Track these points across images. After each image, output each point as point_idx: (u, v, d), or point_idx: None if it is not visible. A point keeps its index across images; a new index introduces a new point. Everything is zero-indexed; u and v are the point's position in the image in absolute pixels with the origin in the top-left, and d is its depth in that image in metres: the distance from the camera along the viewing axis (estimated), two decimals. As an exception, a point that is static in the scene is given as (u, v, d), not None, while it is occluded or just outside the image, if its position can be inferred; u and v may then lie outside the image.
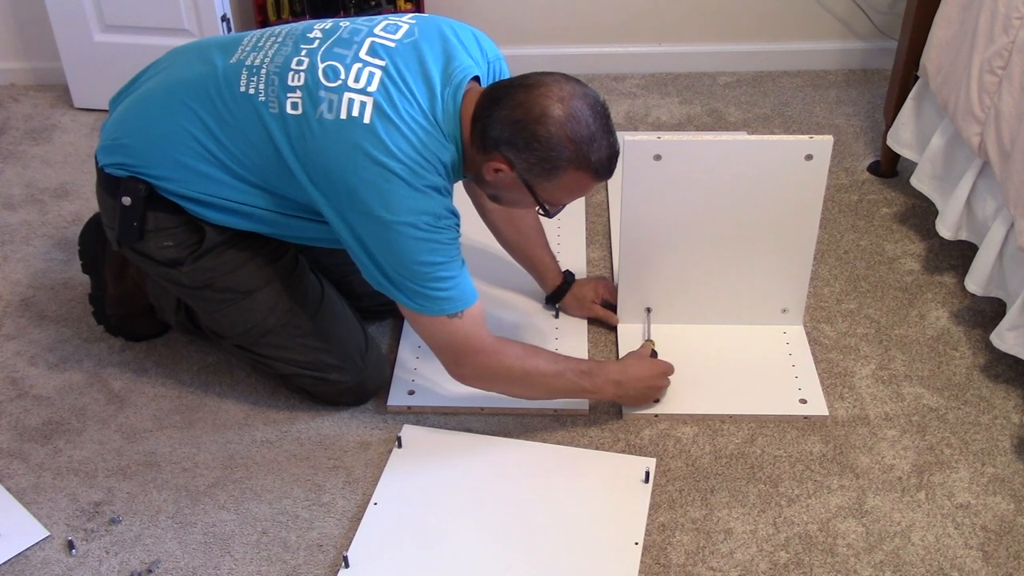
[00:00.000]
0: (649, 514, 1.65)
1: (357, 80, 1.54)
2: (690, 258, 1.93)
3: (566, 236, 2.29)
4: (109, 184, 1.69)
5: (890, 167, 2.51)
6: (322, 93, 1.53)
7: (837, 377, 1.92)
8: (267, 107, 1.57)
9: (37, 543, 1.62)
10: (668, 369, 1.83)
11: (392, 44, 1.58)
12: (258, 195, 1.64)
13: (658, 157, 1.81)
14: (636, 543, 1.59)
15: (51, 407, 1.88)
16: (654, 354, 1.86)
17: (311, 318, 1.78)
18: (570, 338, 1.99)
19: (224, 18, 2.62)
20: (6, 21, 2.87)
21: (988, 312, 2.06)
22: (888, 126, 2.45)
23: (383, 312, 2.04)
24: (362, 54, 1.57)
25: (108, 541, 1.63)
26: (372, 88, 1.53)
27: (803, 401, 1.84)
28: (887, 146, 2.44)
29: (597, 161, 1.54)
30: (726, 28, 2.96)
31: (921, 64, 2.26)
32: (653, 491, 1.69)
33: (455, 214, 1.58)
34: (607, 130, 1.54)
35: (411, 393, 1.87)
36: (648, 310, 2.00)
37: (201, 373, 1.95)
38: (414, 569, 1.56)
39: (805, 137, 1.81)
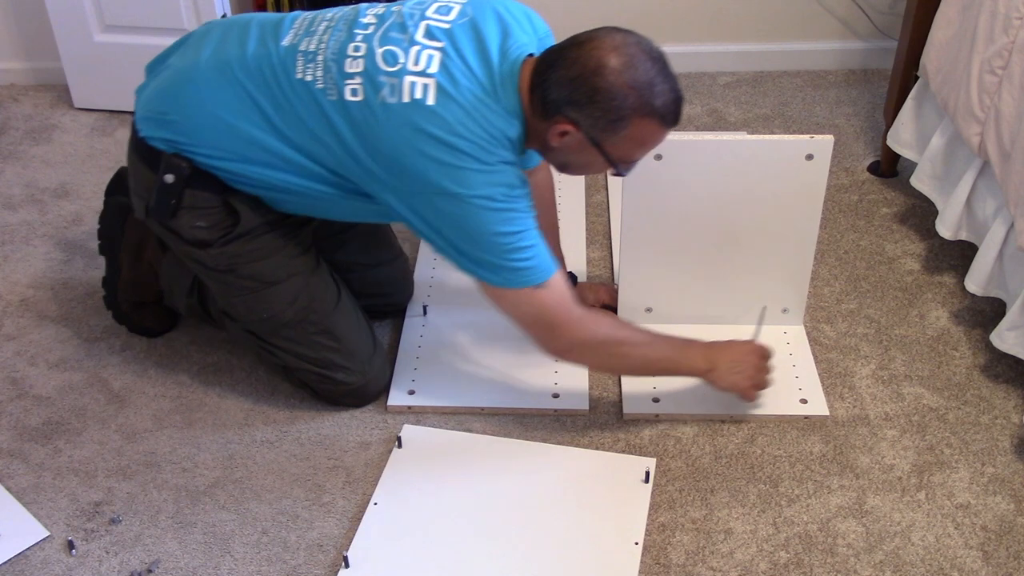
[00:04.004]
0: (649, 514, 1.65)
1: (417, 63, 1.53)
2: (690, 258, 1.93)
3: (566, 236, 2.28)
4: (149, 156, 1.67)
5: (890, 167, 2.51)
6: (382, 78, 1.53)
7: (837, 377, 1.92)
8: (325, 94, 1.56)
9: (37, 543, 1.62)
10: (760, 349, 1.77)
11: (447, 26, 1.58)
12: (314, 178, 1.62)
13: (658, 157, 1.81)
14: (636, 543, 1.59)
15: (51, 407, 1.88)
16: None
17: (327, 316, 1.78)
18: (570, 338, 1.99)
19: (224, 18, 2.62)
20: (6, 21, 2.87)
21: (988, 312, 2.06)
22: (888, 126, 2.45)
23: (384, 312, 2.04)
24: (419, 37, 1.56)
25: (108, 541, 1.63)
26: (432, 70, 1.52)
27: (803, 401, 1.85)
28: (887, 146, 2.44)
29: (663, 106, 1.50)
30: (726, 28, 2.96)
31: (921, 64, 2.26)
32: (653, 491, 1.69)
33: (526, 183, 1.57)
34: (667, 75, 1.51)
35: (411, 393, 1.87)
36: (648, 310, 2.00)
37: (201, 373, 1.95)
38: (414, 569, 1.56)
39: (805, 137, 1.81)
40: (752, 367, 1.75)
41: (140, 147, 1.69)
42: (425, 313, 2.05)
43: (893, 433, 1.80)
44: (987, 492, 1.69)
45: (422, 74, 1.52)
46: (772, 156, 1.82)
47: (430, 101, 1.51)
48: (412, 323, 2.04)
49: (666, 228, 1.90)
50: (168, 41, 2.62)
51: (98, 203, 2.28)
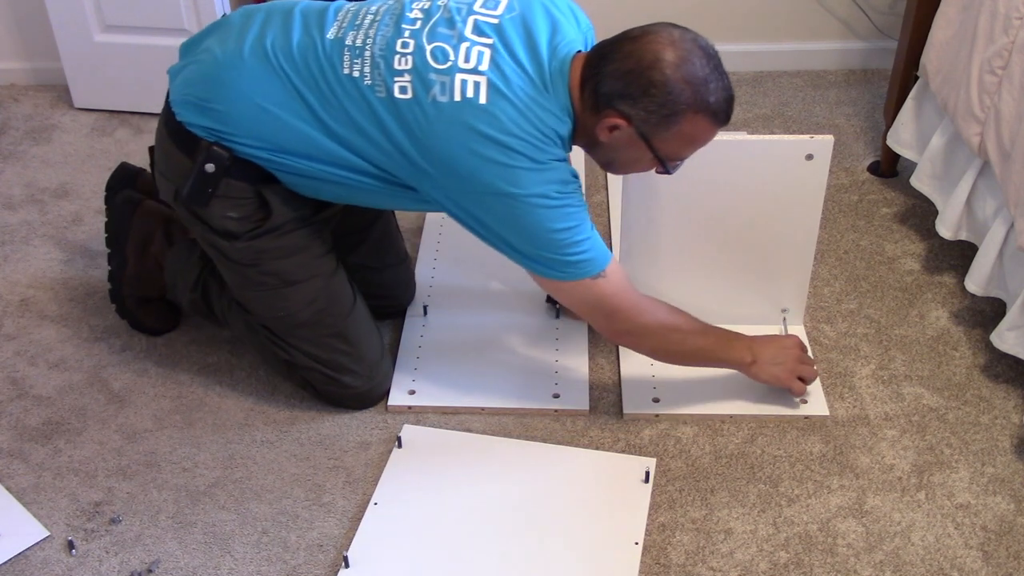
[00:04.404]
0: (649, 514, 1.65)
1: (467, 60, 1.53)
2: (690, 258, 1.93)
3: (566, 236, 2.28)
4: (186, 141, 1.64)
5: (890, 167, 2.51)
6: (433, 76, 1.52)
7: (837, 377, 1.92)
8: (374, 91, 1.55)
9: (37, 543, 1.62)
10: (799, 341, 1.82)
11: (495, 20, 1.57)
12: (359, 171, 1.61)
13: (658, 157, 1.81)
14: (636, 543, 1.59)
15: (51, 407, 1.88)
16: None
17: (342, 320, 1.78)
18: (570, 338, 1.99)
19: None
20: (6, 21, 2.87)
21: (988, 312, 2.06)
22: (888, 126, 2.45)
23: (385, 313, 2.04)
24: (468, 33, 1.55)
25: (108, 541, 1.63)
26: (483, 67, 1.52)
27: (803, 401, 1.84)
28: (887, 146, 2.44)
29: (716, 103, 1.51)
30: (726, 28, 2.96)
31: (921, 64, 2.26)
32: (653, 491, 1.69)
33: (576, 176, 1.58)
34: (721, 72, 1.52)
35: (411, 393, 1.87)
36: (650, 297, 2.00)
37: (201, 373, 1.95)
38: (414, 569, 1.56)
39: (805, 137, 1.81)
40: (794, 360, 1.79)
41: (177, 131, 1.66)
42: (425, 313, 2.05)
43: (893, 433, 1.80)
44: (987, 492, 1.69)
45: (473, 72, 1.52)
46: (772, 156, 1.82)
47: (482, 100, 1.50)
48: (412, 323, 2.04)
49: (666, 228, 1.90)
50: (168, 41, 2.64)
51: (98, 203, 2.28)
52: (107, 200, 2.01)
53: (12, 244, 2.30)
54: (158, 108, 2.71)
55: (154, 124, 2.71)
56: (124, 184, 2.01)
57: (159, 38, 2.64)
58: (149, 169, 1.81)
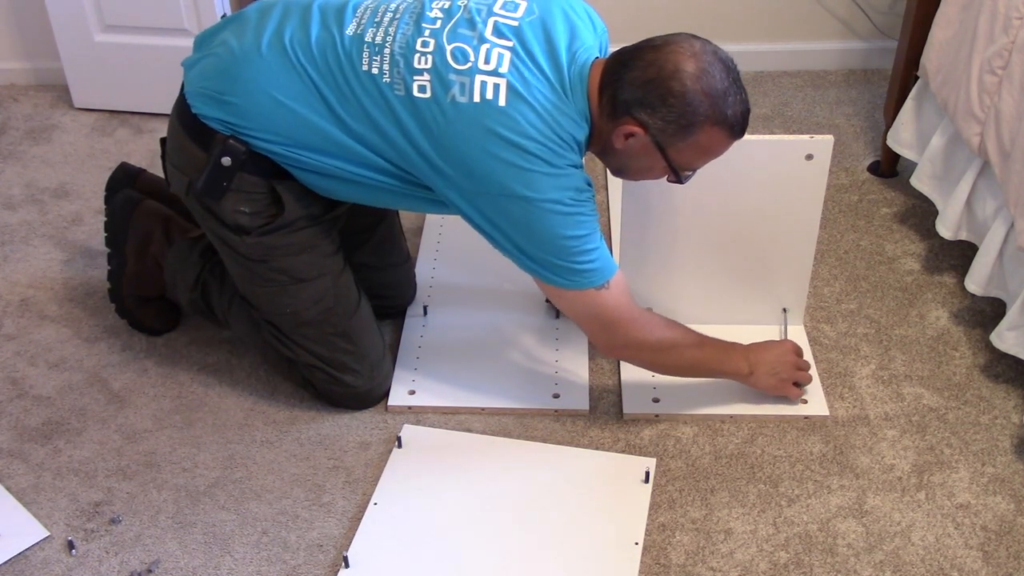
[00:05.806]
0: (649, 514, 1.65)
1: (487, 62, 1.53)
2: (690, 258, 1.93)
3: (566, 236, 2.28)
4: (201, 133, 1.63)
5: (890, 167, 2.51)
6: (452, 76, 1.52)
7: (837, 377, 1.92)
8: (392, 89, 1.55)
9: (37, 543, 1.62)
10: (794, 346, 1.83)
11: (515, 23, 1.57)
12: (374, 168, 1.61)
13: (658, 157, 1.81)
14: (636, 543, 1.59)
15: (51, 407, 1.88)
16: None
17: (347, 319, 1.78)
18: (570, 338, 1.99)
19: (224, 18, 2.62)
20: (6, 21, 2.87)
21: (988, 312, 2.06)
22: (888, 126, 2.45)
23: (385, 313, 2.04)
24: (488, 34, 1.55)
25: (108, 541, 1.63)
26: (503, 69, 1.52)
27: (803, 401, 1.85)
28: (887, 146, 2.44)
29: (733, 116, 1.52)
30: (726, 28, 2.96)
31: (921, 64, 2.26)
32: (653, 491, 1.69)
33: (591, 185, 1.58)
34: (740, 86, 1.54)
35: (411, 393, 1.87)
36: (649, 310, 2.00)
37: (201, 373, 1.95)
38: (414, 569, 1.57)
39: (805, 137, 1.81)
40: (790, 367, 1.80)
41: (192, 124, 1.65)
42: (425, 313, 2.05)
43: (893, 433, 1.80)
44: (987, 492, 1.69)
45: (493, 73, 1.52)
46: (772, 156, 1.82)
47: (501, 102, 1.50)
48: (412, 323, 2.04)
49: (666, 228, 1.90)
50: (168, 41, 2.64)
51: (98, 203, 2.28)
52: (107, 200, 2.01)
53: (12, 244, 2.30)
54: (158, 108, 2.74)
55: (155, 124, 2.74)
56: (124, 184, 2.01)
57: (159, 38, 2.64)
58: (160, 161, 1.81)
